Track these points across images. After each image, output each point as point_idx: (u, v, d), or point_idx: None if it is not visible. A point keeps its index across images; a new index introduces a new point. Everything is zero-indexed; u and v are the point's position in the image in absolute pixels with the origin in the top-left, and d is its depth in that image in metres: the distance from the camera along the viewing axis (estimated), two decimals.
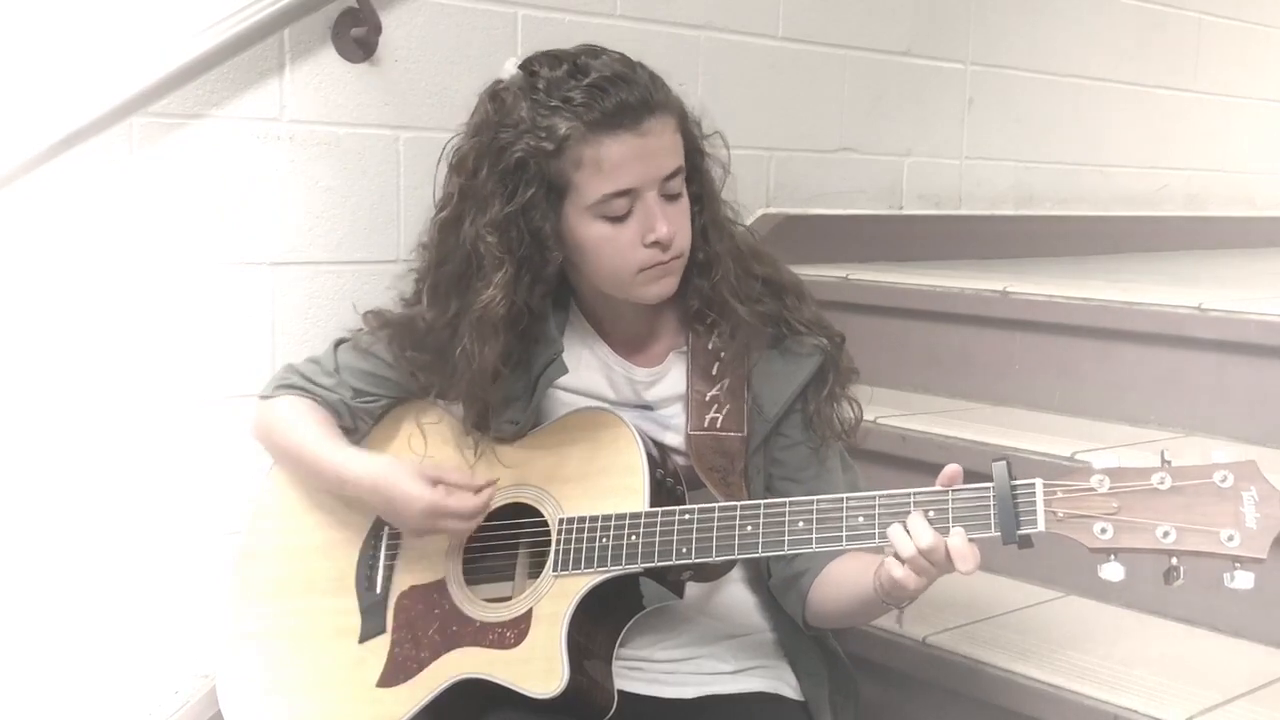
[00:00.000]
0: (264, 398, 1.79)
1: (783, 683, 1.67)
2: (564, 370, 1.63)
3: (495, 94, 1.60)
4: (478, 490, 1.61)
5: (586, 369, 1.68)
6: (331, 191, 2.20)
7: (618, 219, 1.54)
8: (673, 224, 1.55)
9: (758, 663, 1.68)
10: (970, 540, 1.36)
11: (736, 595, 1.68)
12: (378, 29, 2.19)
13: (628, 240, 1.55)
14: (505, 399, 1.65)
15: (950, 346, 2.63)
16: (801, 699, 1.67)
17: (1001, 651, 1.82)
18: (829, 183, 3.03)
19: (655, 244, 1.54)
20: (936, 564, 1.36)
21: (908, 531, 1.37)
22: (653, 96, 1.53)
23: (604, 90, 1.51)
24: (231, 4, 2.02)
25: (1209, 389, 2.24)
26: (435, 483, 1.60)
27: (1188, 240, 3.90)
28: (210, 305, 2.10)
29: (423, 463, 1.65)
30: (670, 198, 1.56)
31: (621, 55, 1.57)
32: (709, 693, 1.64)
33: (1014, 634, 1.87)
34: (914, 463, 2.22)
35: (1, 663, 1.98)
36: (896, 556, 1.38)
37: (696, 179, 1.63)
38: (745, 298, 1.63)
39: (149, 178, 2.02)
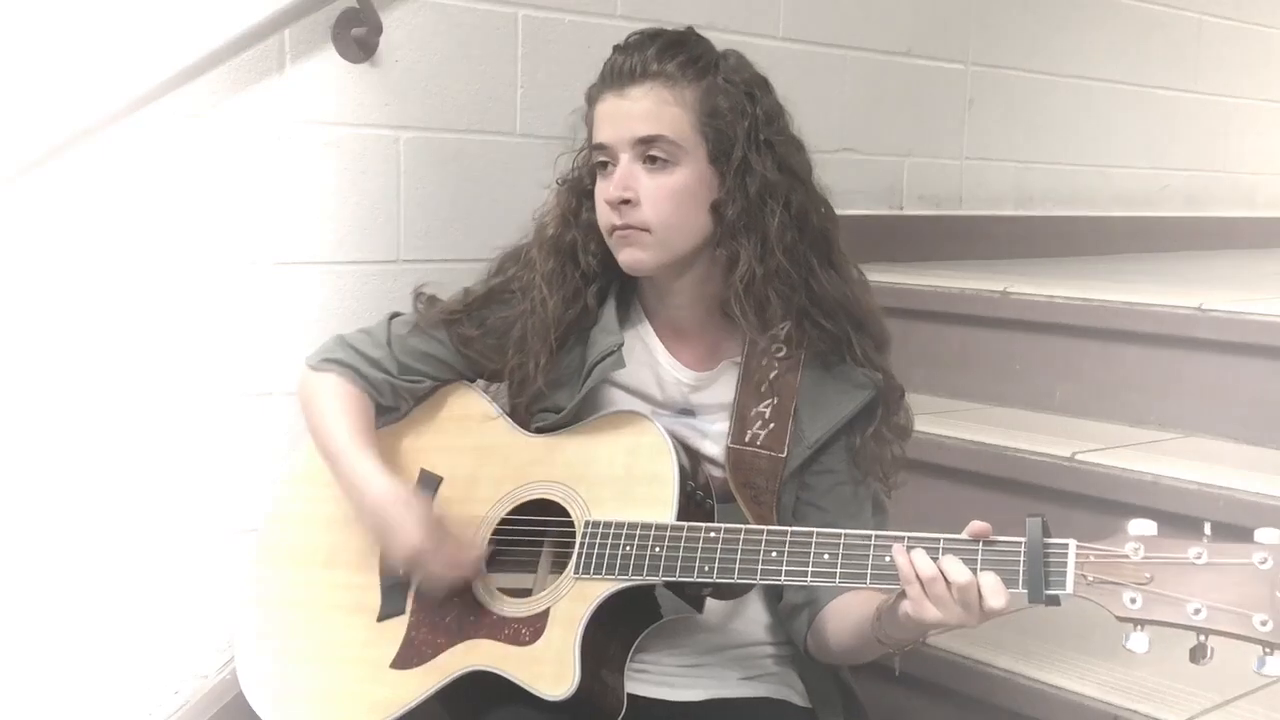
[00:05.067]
0: (310, 366, 1.76)
1: (791, 689, 1.67)
2: (621, 364, 1.64)
3: None
4: (468, 557, 1.60)
5: (637, 364, 1.68)
6: (332, 192, 2.20)
7: (602, 170, 1.62)
8: (636, 191, 1.57)
9: (768, 671, 1.67)
10: None
11: (755, 610, 1.67)
12: (378, 29, 2.20)
13: (602, 194, 1.62)
14: (555, 382, 1.66)
15: (950, 346, 2.64)
16: (808, 706, 1.66)
17: (1001, 651, 1.82)
18: (828, 183, 3.01)
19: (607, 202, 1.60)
20: (966, 603, 1.33)
21: (942, 572, 1.33)
22: (648, 67, 1.59)
23: (612, 56, 1.63)
24: (232, 4, 2.02)
25: (1209, 389, 2.24)
26: (436, 529, 1.59)
27: (1188, 240, 3.90)
28: (210, 304, 2.10)
29: (435, 507, 1.63)
30: (652, 165, 1.58)
31: (681, 32, 1.65)
32: (716, 696, 1.64)
33: (1014, 634, 1.87)
34: (913, 463, 2.21)
35: (3, 662, 1.98)
36: (923, 590, 1.34)
37: (729, 173, 1.60)
38: (769, 307, 1.60)
39: (148, 178, 2.02)
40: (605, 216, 1.61)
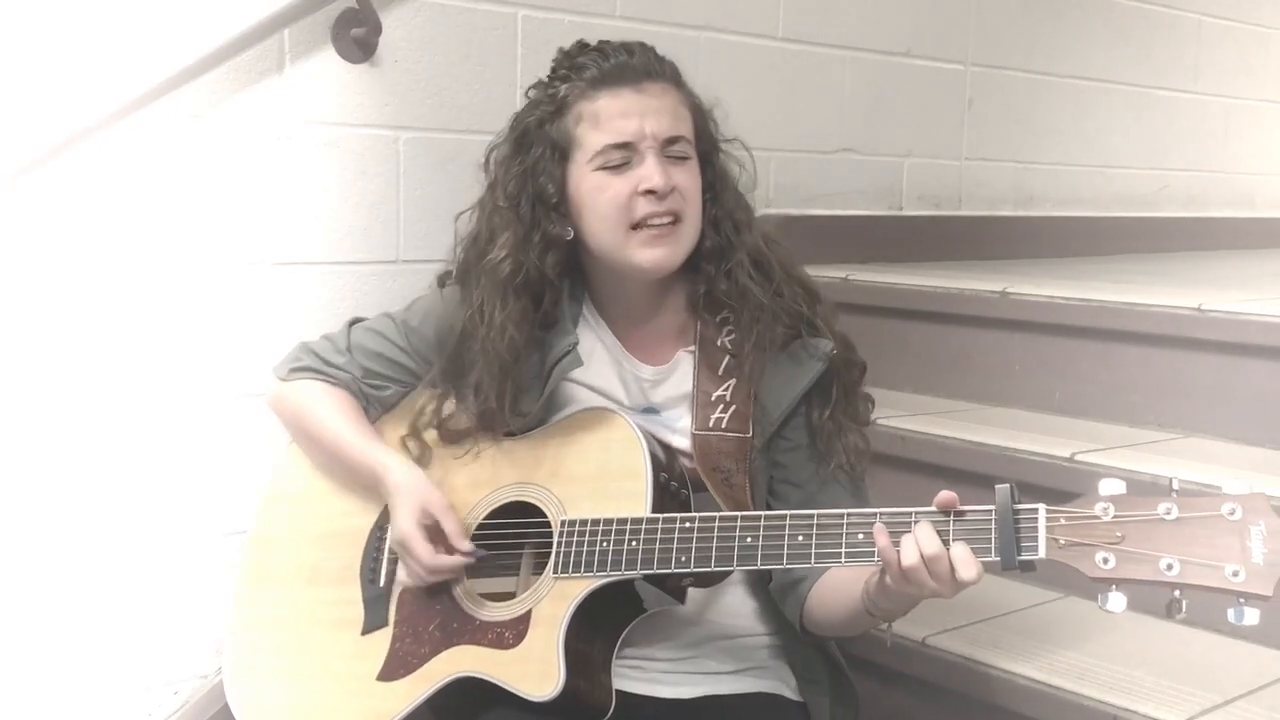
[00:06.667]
0: (280, 378, 1.80)
1: (782, 683, 1.67)
2: (578, 363, 1.64)
3: (536, 84, 1.69)
4: (440, 562, 1.61)
5: (600, 364, 1.69)
6: (331, 192, 2.20)
7: (615, 169, 1.59)
8: (673, 180, 1.58)
9: (757, 664, 1.68)
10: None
11: (738, 598, 1.68)
12: (377, 29, 2.19)
13: (623, 189, 1.58)
14: (517, 388, 1.65)
15: (950, 347, 2.63)
16: (800, 700, 1.67)
17: (1001, 652, 1.82)
18: (829, 183, 3.03)
19: (649, 193, 1.57)
20: (938, 575, 1.33)
21: (915, 540, 1.34)
22: (657, 67, 1.62)
23: (606, 55, 1.61)
24: (232, 5, 2.02)
25: (1209, 390, 2.24)
26: (426, 521, 1.62)
27: (1188, 241, 3.89)
28: (210, 305, 2.10)
29: (437, 497, 1.64)
30: (676, 160, 1.60)
31: (649, 46, 1.66)
32: (708, 693, 1.64)
33: (1014, 634, 1.87)
34: (913, 463, 2.22)
35: (2, 663, 1.98)
36: (899, 564, 1.35)
37: (709, 170, 1.66)
38: (756, 290, 1.63)
39: (148, 178, 2.02)
40: (636, 208, 1.58)
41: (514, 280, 1.62)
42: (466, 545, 1.61)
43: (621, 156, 1.59)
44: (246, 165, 2.11)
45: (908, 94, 3.19)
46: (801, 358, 1.64)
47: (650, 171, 1.57)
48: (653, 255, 1.60)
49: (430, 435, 1.72)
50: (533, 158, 1.62)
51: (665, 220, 1.59)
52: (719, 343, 1.66)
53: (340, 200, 2.21)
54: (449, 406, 1.70)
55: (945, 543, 1.33)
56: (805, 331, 1.65)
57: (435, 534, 1.62)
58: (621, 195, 1.58)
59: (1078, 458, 2.07)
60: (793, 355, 1.65)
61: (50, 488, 1.99)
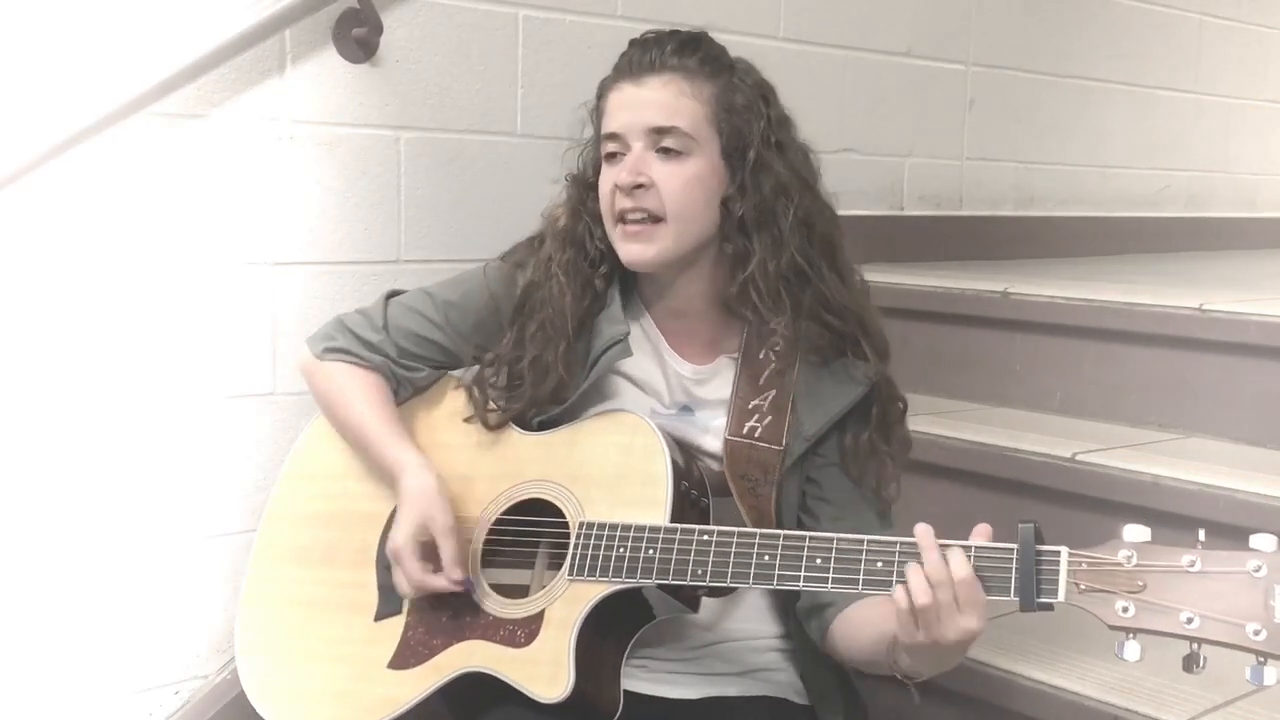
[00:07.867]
0: (314, 355, 1.78)
1: (789, 687, 1.67)
2: (628, 353, 1.63)
3: None
4: (427, 584, 1.60)
5: (643, 355, 1.68)
6: (332, 192, 2.20)
7: (609, 159, 1.63)
8: (649, 176, 1.58)
9: (764, 667, 1.68)
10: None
11: (749, 606, 1.67)
12: (379, 29, 2.19)
13: (609, 182, 1.62)
14: (571, 353, 1.65)
15: (951, 347, 2.64)
16: (807, 704, 1.66)
17: (1001, 652, 1.82)
18: (829, 183, 2.99)
19: (616, 189, 1.60)
20: (962, 600, 1.33)
21: (945, 560, 1.33)
22: (666, 59, 1.61)
23: (629, 49, 1.65)
24: (232, 4, 2.02)
25: (1210, 390, 2.24)
26: (424, 537, 1.61)
27: (1189, 241, 3.90)
28: (210, 305, 2.10)
29: (442, 515, 1.62)
30: (666, 155, 1.60)
31: (698, 32, 1.68)
32: (713, 694, 1.64)
33: (1014, 634, 1.87)
34: (914, 463, 2.21)
35: (2, 664, 1.98)
36: (928, 584, 1.33)
37: (740, 170, 1.62)
38: (779, 304, 1.61)
39: (149, 178, 2.02)
40: (614, 203, 1.61)
41: (571, 234, 1.68)
42: (458, 574, 1.60)
43: (614, 147, 1.62)
44: (247, 165, 2.11)
45: (908, 94, 3.19)
46: (844, 378, 1.63)
47: (622, 165, 1.60)
48: (628, 251, 1.62)
49: (471, 424, 1.71)
50: (584, 139, 1.71)
51: (639, 216, 1.60)
52: (763, 354, 1.65)
53: (340, 200, 2.21)
54: (491, 395, 1.70)
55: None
56: (851, 351, 1.64)
57: (430, 551, 1.61)
58: (606, 187, 1.62)
59: (1078, 458, 2.08)
60: (836, 375, 1.63)
61: (51, 488, 1.99)
